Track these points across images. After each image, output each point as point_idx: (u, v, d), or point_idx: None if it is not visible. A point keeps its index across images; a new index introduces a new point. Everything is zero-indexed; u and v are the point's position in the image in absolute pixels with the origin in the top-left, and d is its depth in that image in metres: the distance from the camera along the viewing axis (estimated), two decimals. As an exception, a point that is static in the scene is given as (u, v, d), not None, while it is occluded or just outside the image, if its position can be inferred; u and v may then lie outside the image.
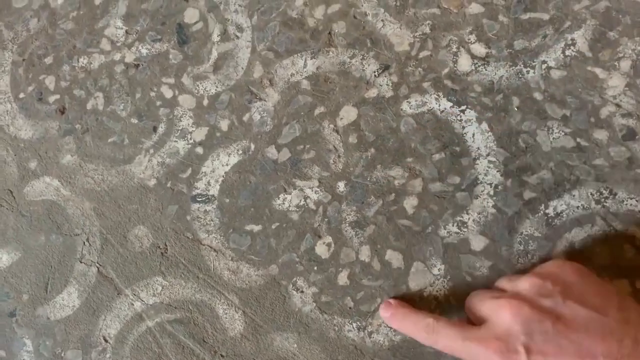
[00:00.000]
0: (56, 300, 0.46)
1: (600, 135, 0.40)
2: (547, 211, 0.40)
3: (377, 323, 0.41)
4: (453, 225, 0.41)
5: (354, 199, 0.43)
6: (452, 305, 0.40)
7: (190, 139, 0.47)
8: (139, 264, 0.46)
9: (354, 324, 0.41)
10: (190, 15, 0.50)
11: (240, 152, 0.46)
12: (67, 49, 0.52)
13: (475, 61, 0.43)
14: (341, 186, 0.43)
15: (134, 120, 0.49)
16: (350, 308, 0.41)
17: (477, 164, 0.41)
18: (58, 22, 0.53)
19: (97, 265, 0.46)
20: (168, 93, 0.49)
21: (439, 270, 0.41)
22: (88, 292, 0.46)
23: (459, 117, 0.42)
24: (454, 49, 0.44)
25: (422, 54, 0.44)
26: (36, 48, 0.53)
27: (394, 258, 0.41)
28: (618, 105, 0.40)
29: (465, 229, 0.41)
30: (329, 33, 0.46)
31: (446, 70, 0.44)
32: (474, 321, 0.34)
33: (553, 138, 0.41)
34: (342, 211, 0.43)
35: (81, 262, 0.47)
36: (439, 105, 0.43)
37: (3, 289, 0.48)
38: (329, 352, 0.41)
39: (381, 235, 0.42)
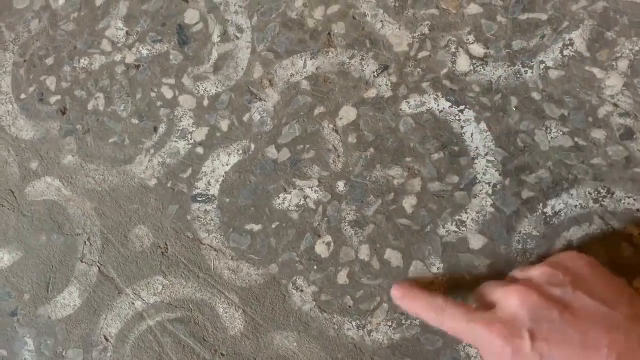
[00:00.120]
0: (57, 300, 0.47)
1: (598, 134, 0.40)
2: (545, 210, 0.40)
3: (376, 322, 0.41)
4: (452, 225, 0.41)
5: (354, 198, 0.43)
6: (451, 304, 0.40)
7: (191, 139, 0.47)
8: (140, 264, 0.46)
9: (354, 323, 0.41)
10: (191, 17, 0.50)
11: (241, 152, 0.46)
12: (68, 50, 0.52)
13: (474, 61, 0.44)
14: (341, 186, 0.44)
15: (135, 121, 0.49)
16: (350, 307, 0.42)
17: (476, 163, 0.42)
18: (59, 23, 0.53)
19: (98, 264, 0.47)
20: (169, 94, 0.49)
21: (438, 269, 0.41)
22: (89, 292, 0.46)
23: (457, 117, 0.43)
24: (453, 50, 0.44)
25: (421, 55, 0.45)
26: (37, 49, 0.53)
27: (394, 257, 0.42)
28: (616, 105, 0.40)
29: (464, 228, 0.41)
30: (329, 34, 0.47)
31: (445, 71, 0.44)
32: (484, 308, 0.34)
33: (551, 138, 0.41)
34: (341, 211, 0.43)
35: (82, 262, 0.47)
36: (438, 106, 0.43)
37: (5, 288, 0.48)
38: (329, 351, 0.41)
39: (380, 235, 0.42)
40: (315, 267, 0.43)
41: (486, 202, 0.41)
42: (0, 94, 0.53)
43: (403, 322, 0.41)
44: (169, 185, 0.47)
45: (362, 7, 0.46)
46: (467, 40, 0.44)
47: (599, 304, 0.30)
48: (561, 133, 0.41)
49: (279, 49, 0.47)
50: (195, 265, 0.45)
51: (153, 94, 0.49)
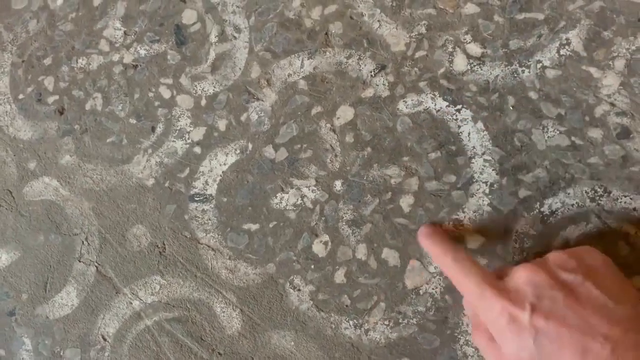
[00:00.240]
0: (55, 300, 0.47)
1: (595, 133, 0.40)
2: (542, 209, 0.40)
3: (373, 321, 0.41)
4: (449, 224, 0.41)
5: (351, 197, 0.43)
6: (448, 302, 0.40)
7: (188, 138, 0.47)
8: (138, 263, 0.46)
9: (351, 322, 0.41)
10: (188, 17, 0.50)
11: (238, 151, 0.46)
12: (66, 50, 0.52)
13: (471, 61, 0.44)
14: (338, 185, 0.44)
15: (133, 121, 0.49)
16: (347, 306, 0.42)
17: (473, 162, 0.42)
18: (57, 23, 0.53)
19: (96, 264, 0.47)
20: (166, 93, 0.49)
21: (435, 268, 0.41)
22: (87, 291, 0.46)
23: (454, 117, 0.43)
24: (450, 49, 0.44)
25: (418, 54, 0.45)
26: (35, 49, 0.53)
27: (391, 256, 0.42)
28: (612, 104, 0.40)
29: (461, 227, 0.41)
30: (326, 33, 0.47)
31: (442, 70, 0.44)
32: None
33: (548, 137, 0.41)
34: (339, 210, 0.43)
35: (80, 262, 0.47)
36: (435, 105, 0.43)
37: (2, 288, 0.48)
38: (326, 350, 0.41)
39: (378, 234, 0.42)
40: (313, 266, 0.43)
41: (483, 201, 0.41)
42: (-2, 94, 0.53)
43: (400, 321, 0.41)
44: (167, 184, 0.47)
45: (359, 6, 0.46)
46: (464, 39, 0.44)
47: (605, 297, 0.30)
48: (558, 132, 0.41)
49: (277, 49, 0.47)
50: (192, 265, 0.45)
51: (151, 94, 0.49)
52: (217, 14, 0.49)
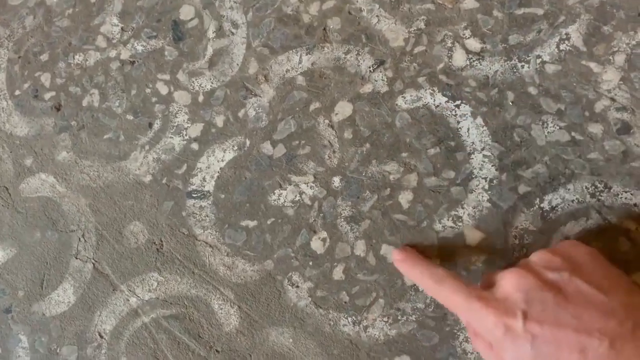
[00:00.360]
0: (52, 297, 0.46)
1: (595, 129, 0.40)
2: (542, 205, 0.40)
3: (372, 317, 0.41)
4: (448, 220, 0.41)
5: (349, 194, 0.43)
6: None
7: (186, 135, 0.47)
8: (135, 260, 0.46)
9: (350, 319, 0.41)
10: (186, 12, 0.50)
11: (236, 148, 0.46)
12: (62, 46, 0.52)
13: (470, 56, 0.43)
14: (336, 181, 0.43)
15: (130, 117, 0.49)
16: (345, 303, 0.41)
17: (472, 158, 0.41)
18: (54, 19, 0.53)
19: (93, 261, 0.46)
20: (163, 89, 0.49)
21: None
22: (83, 288, 0.46)
23: (453, 112, 0.42)
24: (449, 44, 0.44)
25: (417, 49, 0.44)
26: (32, 45, 0.53)
27: (389, 252, 0.41)
28: (612, 99, 0.40)
29: (460, 223, 0.41)
30: (324, 29, 0.46)
31: (441, 66, 0.44)
32: (483, 287, 0.34)
33: (548, 132, 0.41)
34: (337, 206, 0.43)
35: (77, 258, 0.47)
36: (434, 100, 0.43)
37: (-2, 285, 0.48)
38: (325, 347, 0.41)
39: (376, 230, 0.42)
40: (311, 263, 0.43)
41: (482, 197, 0.41)
42: (-5, 90, 0.53)
43: (399, 317, 0.40)
44: (164, 181, 0.47)
45: (357, 2, 0.46)
46: (463, 34, 0.44)
47: (594, 290, 0.30)
48: (558, 127, 0.40)
49: (274, 45, 0.47)
50: (190, 262, 0.45)
51: (148, 90, 0.49)
52: (214, 9, 0.49)
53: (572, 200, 0.39)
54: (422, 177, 0.42)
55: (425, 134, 0.43)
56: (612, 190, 0.39)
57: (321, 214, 0.43)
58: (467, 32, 0.44)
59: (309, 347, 0.41)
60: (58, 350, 0.45)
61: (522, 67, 0.42)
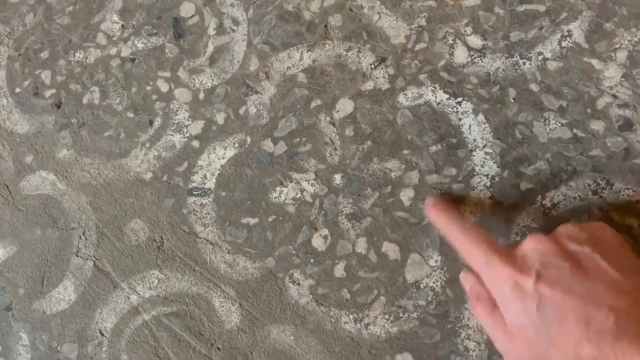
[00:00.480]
0: (52, 294, 0.46)
1: (597, 126, 0.40)
2: (544, 202, 0.39)
3: (373, 315, 0.41)
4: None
5: (351, 191, 0.43)
6: (449, 296, 0.40)
7: (187, 132, 0.47)
8: (135, 258, 0.45)
9: (351, 316, 0.41)
10: (186, 9, 0.50)
11: (237, 145, 0.46)
12: (63, 43, 0.52)
13: (472, 53, 0.43)
14: (337, 179, 0.43)
15: (130, 114, 0.49)
16: (346, 300, 0.41)
17: (474, 155, 0.41)
18: (54, 16, 0.53)
19: (93, 259, 0.46)
20: (164, 87, 0.49)
21: (435, 261, 0.41)
22: (84, 286, 0.46)
23: (455, 109, 0.42)
24: (450, 41, 0.44)
25: (418, 46, 0.44)
26: (32, 43, 0.53)
27: (391, 250, 0.41)
28: (614, 96, 0.40)
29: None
30: (325, 26, 0.46)
31: (442, 63, 0.44)
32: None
33: (549, 129, 0.40)
34: (338, 204, 0.43)
35: (77, 256, 0.47)
36: (436, 97, 0.43)
37: (-1, 283, 0.48)
38: (326, 344, 0.41)
39: (378, 228, 0.42)
40: (312, 261, 0.42)
41: (484, 194, 0.41)
42: (-5, 87, 0.53)
43: (400, 315, 0.40)
44: (165, 178, 0.47)
45: (358, -2, 0.46)
46: (465, 31, 0.44)
47: (612, 269, 0.30)
48: (559, 124, 0.40)
49: (275, 42, 0.47)
50: (191, 259, 0.45)
51: (148, 87, 0.49)
52: (215, 6, 0.49)
53: (574, 197, 0.39)
54: (423, 175, 0.42)
55: (426, 131, 0.43)
56: (614, 187, 0.39)
57: (322, 212, 0.43)
58: (469, 29, 0.44)
59: (310, 345, 0.41)
60: (59, 348, 0.45)
61: (524, 64, 0.42)
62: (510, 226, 0.40)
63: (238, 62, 0.47)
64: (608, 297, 0.28)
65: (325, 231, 0.43)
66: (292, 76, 0.46)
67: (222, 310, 0.43)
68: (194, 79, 0.48)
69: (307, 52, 0.46)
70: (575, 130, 0.40)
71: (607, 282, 0.29)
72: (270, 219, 0.44)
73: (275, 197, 0.44)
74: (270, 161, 0.45)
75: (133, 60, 0.50)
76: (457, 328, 0.39)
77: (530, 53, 0.42)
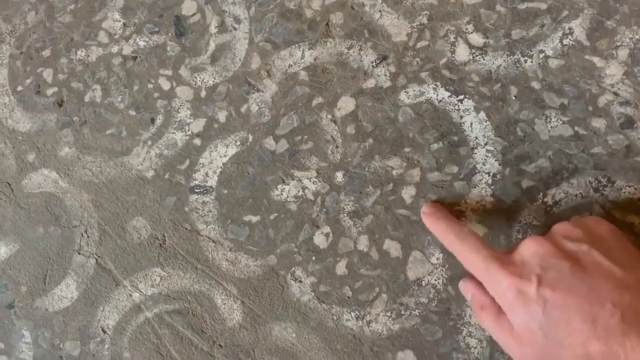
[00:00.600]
0: (54, 292, 0.46)
1: (598, 123, 0.40)
2: (545, 199, 0.40)
3: (375, 312, 0.41)
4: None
5: (352, 189, 0.43)
6: (450, 294, 0.40)
7: (188, 130, 0.47)
8: (137, 255, 0.46)
9: (353, 314, 0.41)
10: (188, 8, 0.50)
11: (238, 143, 0.46)
12: (64, 41, 0.52)
13: (473, 51, 0.43)
14: (339, 176, 0.43)
15: (132, 112, 0.49)
16: (348, 297, 0.41)
17: (475, 153, 0.41)
18: (56, 15, 0.53)
19: (96, 256, 0.46)
20: (166, 85, 0.49)
21: (437, 259, 0.41)
22: (86, 284, 0.46)
23: (457, 107, 0.42)
24: (452, 39, 0.44)
25: (419, 44, 0.44)
26: (34, 41, 0.53)
27: (392, 247, 0.41)
28: (616, 94, 0.40)
29: (463, 218, 0.41)
30: (327, 24, 0.46)
31: (444, 60, 0.44)
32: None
33: (551, 127, 0.40)
34: (340, 201, 0.43)
35: (79, 254, 0.47)
36: (437, 95, 0.43)
37: (1, 280, 0.48)
38: (328, 342, 0.41)
39: (379, 225, 0.42)
40: (314, 258, 0.43)
41: (486, 191, 0.41)
42: (-3, 86, 0.53)
43: (402, 312, 0.40)
44: (167, 176, 0.47)
45: (360, -4, 0.46)
46: (466, 29, 0.44)
47: (612, 264, 0.30)
48: (561, 122, 0.40)
49: (277, 40, 0.47)
50: (193, 257, 0.45)
51: (150, 86, 0.49)
52: (216, 4, 0.49)
53: (576, 195, 0.39)
54: (425, 172, 0.42)
55: (428, 128, 0.43)
56: (615, 185, 0.39)
57: (324, 209, 0.43)
58: (470, 27, 0.44)
59: (312, 342, 0.41)
60: (61, 346, 0.45)
61: (525, 61, 0.42)
62: (512, 224, 0.40)
63: (240, 60, 0.47)
64: (610, 294, 0.28)
65: (327, 229, 0.43)
66: (294, 74, 0.46)
67: (224, 308, 0.43)
68: (195, 77, 0.48)
69: (309, 50, 0.46)
70: (576, 128, 0.40)
71: (608, 278, 0.29)
72: (272, 217, 0.44)
73: (277, 195, 0.44)
74: (272, 159, 0.45)
75: (135, 58, 0.50)
76: (458, 325, 0.39)
77: (531, 51, 0.42)
